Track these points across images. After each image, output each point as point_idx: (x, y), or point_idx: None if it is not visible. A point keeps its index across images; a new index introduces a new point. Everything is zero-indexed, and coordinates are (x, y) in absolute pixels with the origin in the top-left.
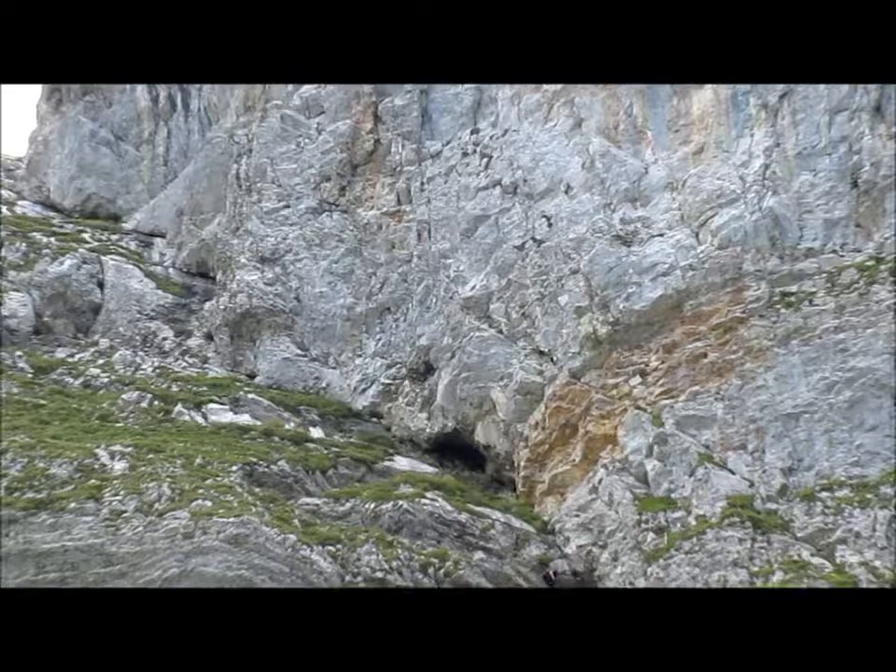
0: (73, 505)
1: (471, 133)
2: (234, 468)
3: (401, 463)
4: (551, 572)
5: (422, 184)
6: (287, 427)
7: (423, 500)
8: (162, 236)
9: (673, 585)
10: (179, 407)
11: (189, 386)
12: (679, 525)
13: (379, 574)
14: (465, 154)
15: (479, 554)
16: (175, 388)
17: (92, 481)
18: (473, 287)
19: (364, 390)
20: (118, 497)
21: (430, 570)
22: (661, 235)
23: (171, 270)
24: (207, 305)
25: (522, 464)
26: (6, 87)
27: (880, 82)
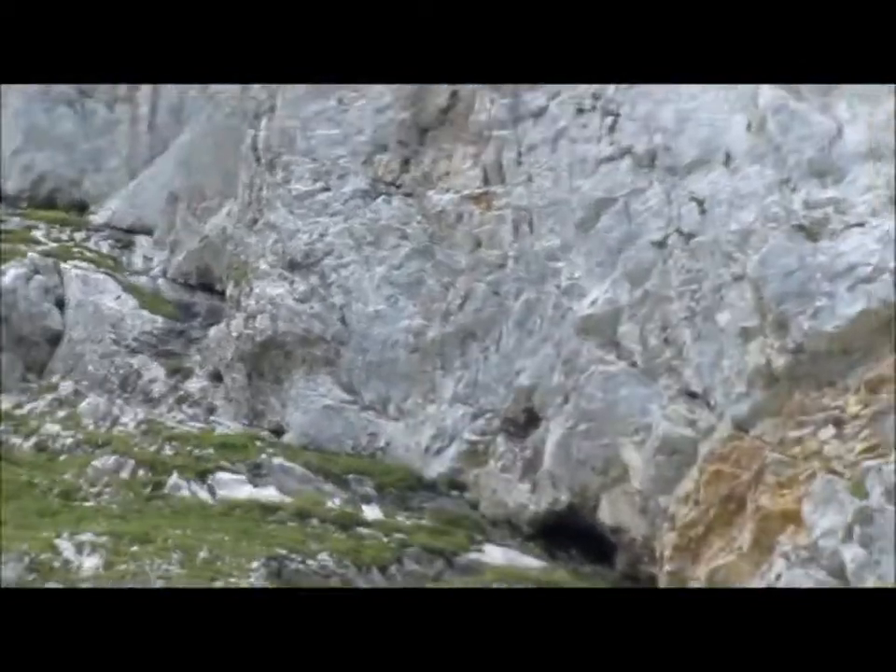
0: None
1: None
2: (255, 563)
3: (494, 555)
4: None
5: (519, 154)
6: (329, 504)
7: None
8: (149, 233)
9: None
10: (175, 478)
11: (189, 448)
12: None
13: None
14: (580, 111)
15: None
16: (168, 451)
17: (51, 584)
18: (594, 302)
19: (440, 451)
20: None
21: None
22: (861, 225)
23: (161, 281)
24: (213, 332)
25: (667, 554)
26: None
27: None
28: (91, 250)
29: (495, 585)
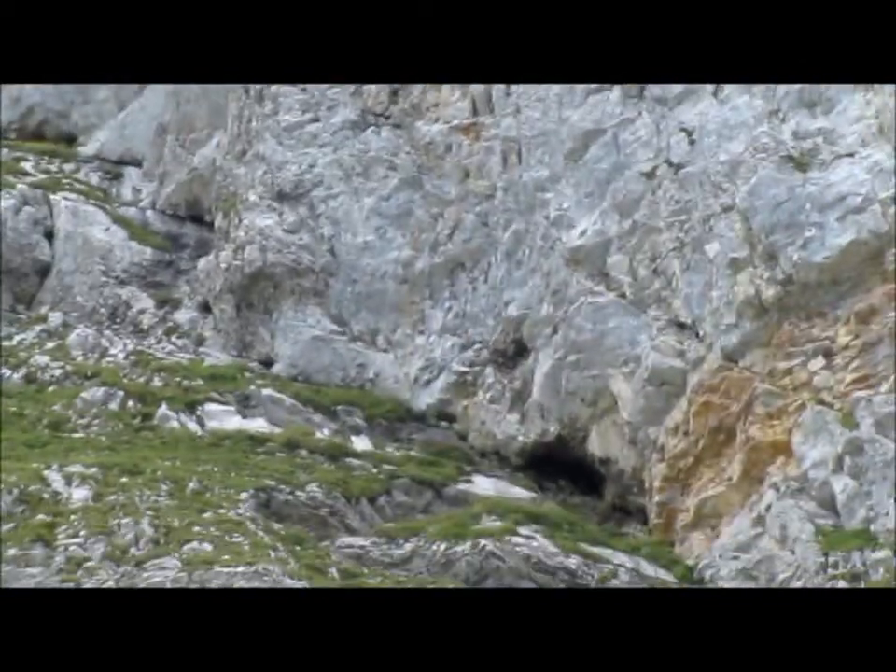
0: (13, 552)
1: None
2: (244, 495)
3: (483, 485)
4: None
5: (508, 85)
6: (318, 435)
7: (515, 539)
8: (138, 165)
9: None
10: (164, 409)
11: (178, 379)
12: (881, 570)
13: None
14: None
15: None
16: (157, 382)
17: (41, 516)
18: (583, 233)
19: (429, 382)
20: (77, 540)
21: None
22: (851, 155)
23: (150, 213)
24: (202, 262)
25: (656, 485)
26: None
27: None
28: (80, 182)
29: (484, 516)
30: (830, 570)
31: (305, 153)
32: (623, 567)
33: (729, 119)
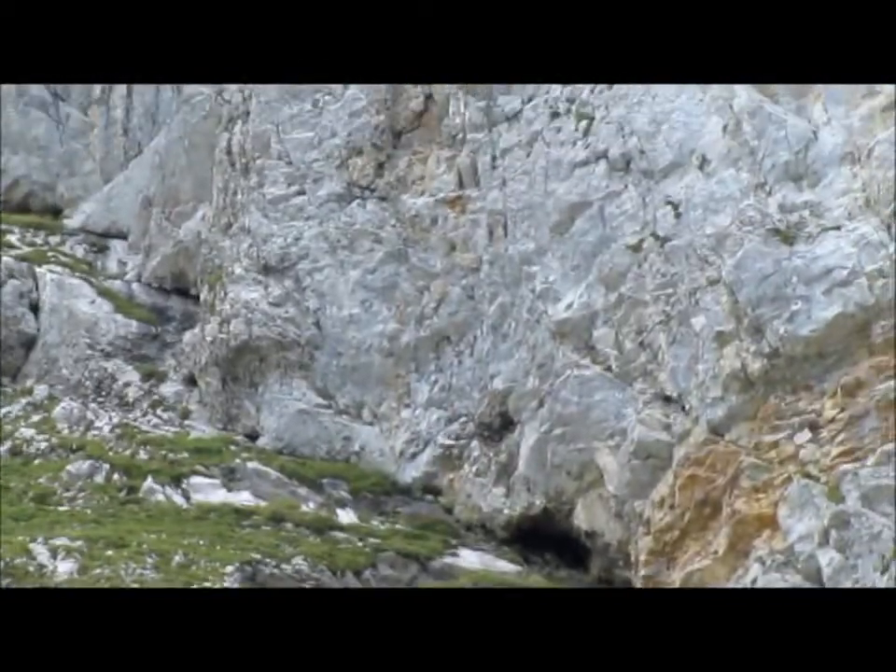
0: None
1: (563, 84)
2: (230, 568)
3: (469, 559)
4: None
5: (493, 158)
6: (304, 508)
7: None
8: (124, 237)
9: None
10: (149, 482)
11: (164, 452)
12: None
13: None
14: (555, 115)
15: None
16: (142, 455)
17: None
18: (570, 306)
19: (414, 455)
20: None
21: None
22: (837, 228)
23: (135, 286)
24: (188, 336)
25: (642, 558)
26: None
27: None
28: (65, 254)
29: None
30: None
31: (291, 226)
32: None
33: (715, 193)
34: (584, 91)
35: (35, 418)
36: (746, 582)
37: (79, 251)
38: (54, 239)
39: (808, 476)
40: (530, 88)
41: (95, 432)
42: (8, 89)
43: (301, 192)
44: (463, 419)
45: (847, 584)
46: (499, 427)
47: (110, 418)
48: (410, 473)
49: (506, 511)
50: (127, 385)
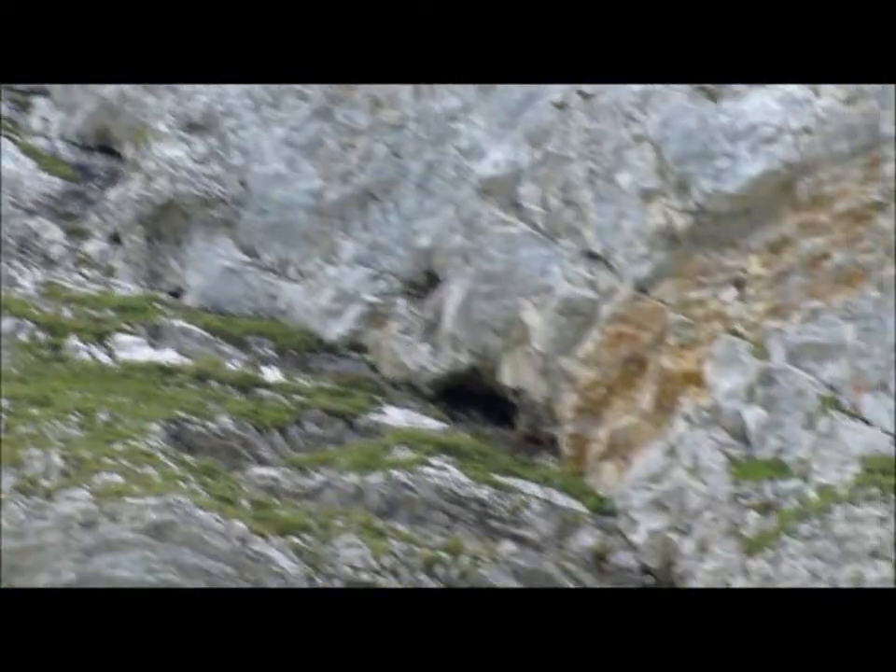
0: None
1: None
2: (154, 426)
3: (395, 416)
4: None
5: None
6: (229, 366)
7: (426, 469)
8: (46, 95)
9: (785, 584)
10: (74, 340)
11: (88, 310)
12: (792, 499)
13: (365, 576)
14: None
15: (507, 546)
16: (67, 314)
17: None
18: (495, 164)
19: (340, 313)
20: None
21: (438, 569)
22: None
23: (59, 143)
24: (112, 194)
25: (568, 415)
26: None
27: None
28: None
29: (395, 447)
30: (741, 500)
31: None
32: (534, 497)
33: None
34: None
35: None
36: (672, 439)
37: (3, 109)
38: None
39: (734, 333)
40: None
41: (19, 290)
42: None
43: None
44: (389, 277)
45: (773, 441)
46: (425, 284)
47: (34, 276)
48: (335, 331)
49: (432, 369)
50: (51, 242)
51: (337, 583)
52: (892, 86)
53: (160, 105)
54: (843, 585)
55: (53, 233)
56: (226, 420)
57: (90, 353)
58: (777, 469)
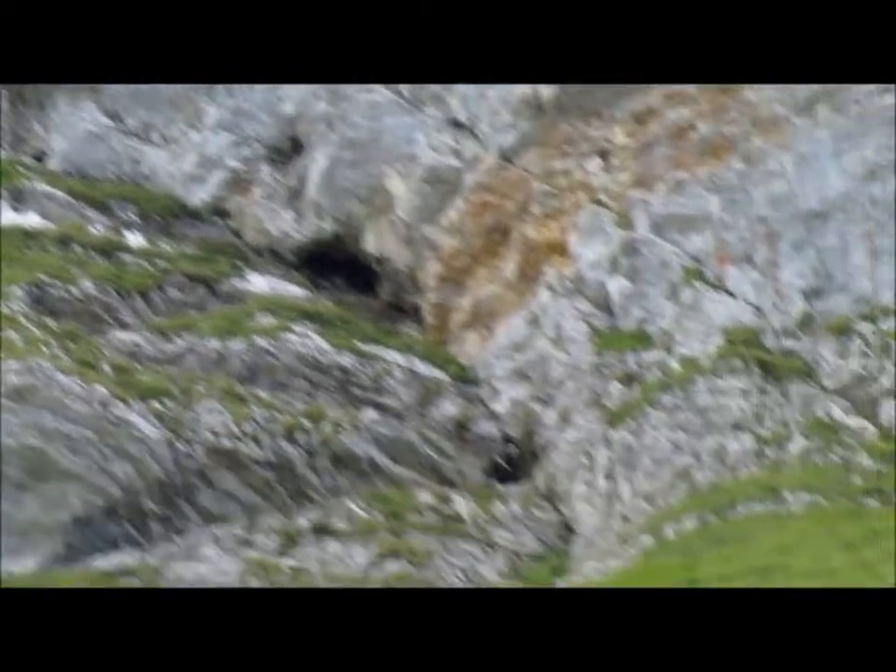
0: None
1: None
2: (17, 290)
3: (257, 283)
4: None
5: None
6: (92, 231)
7: (289, 336)
8: None
9: (647, 455)
10: None
11: None
12: (655, 370)
13: (226, 442)
14: None
15: (369, 413)
16: None
17: None
18: None
19: (203, 179)
20: None
21: (299, 436)
22: None
23: None
24: None
25: (431, 284)
26: None
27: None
28: None
29: (258, 313)
30: (604, 371)
31: None
32: (397, 365)
33: None
34: None
35: None
36: (535, 308)
37: None
38: None
39: (599, 203)
40: None
41: None
42: None
43: None
44: (253, 143)
45: (637, 312)
46: (289, 151)
47: None
48: (199, 196)
49: (295, 236)
50: None
51: (198, 449)
52: None
53: None
54: (705, 457)
55: None
56: (88, 284)
57: None
58: (641, 339)
